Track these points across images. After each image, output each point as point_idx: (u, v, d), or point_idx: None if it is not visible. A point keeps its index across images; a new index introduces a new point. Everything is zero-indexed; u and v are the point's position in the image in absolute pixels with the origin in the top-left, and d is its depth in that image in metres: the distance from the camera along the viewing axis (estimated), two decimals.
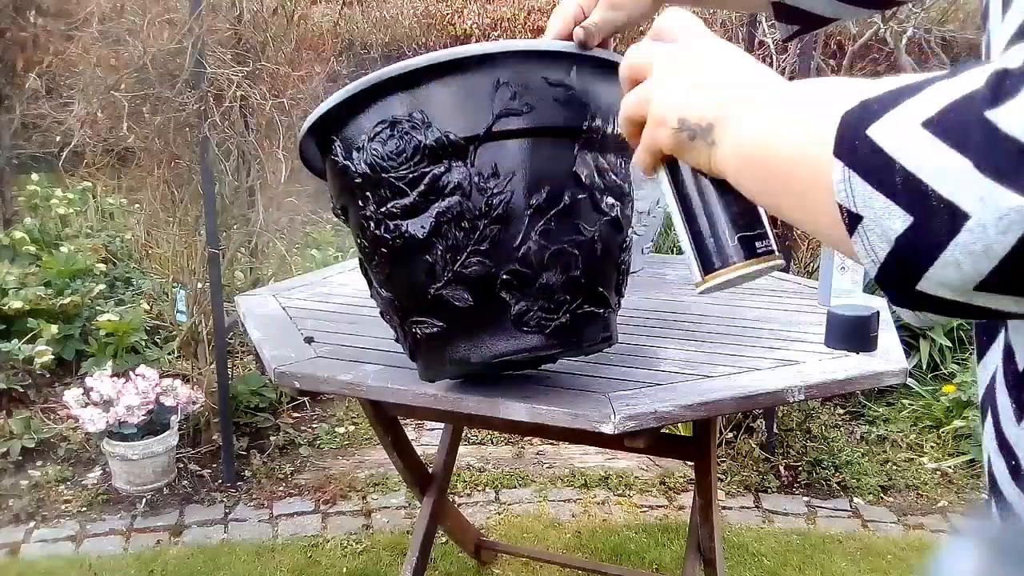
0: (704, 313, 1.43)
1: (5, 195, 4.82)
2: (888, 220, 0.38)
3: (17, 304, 3.11)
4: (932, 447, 2.84)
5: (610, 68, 0.89)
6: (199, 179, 2.49)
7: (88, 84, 2.60)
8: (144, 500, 2.50)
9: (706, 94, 0.51)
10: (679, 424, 2.25)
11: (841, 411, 3.05)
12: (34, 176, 4.77)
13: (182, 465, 2.65)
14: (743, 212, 0.56)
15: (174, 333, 2.98)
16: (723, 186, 0.54)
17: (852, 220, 0.39)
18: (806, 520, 2.46)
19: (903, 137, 0.37)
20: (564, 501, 2.54)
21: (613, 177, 0.97)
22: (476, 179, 0.89)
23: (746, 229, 0.56)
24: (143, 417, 2.46)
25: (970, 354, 3.17)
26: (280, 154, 2.61)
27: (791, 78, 2.88)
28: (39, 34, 4.56)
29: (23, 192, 4.76)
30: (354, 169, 0.94)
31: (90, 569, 2.19)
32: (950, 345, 3.18)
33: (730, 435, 2.78)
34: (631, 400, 1.00)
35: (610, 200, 0.96)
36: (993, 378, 0.48)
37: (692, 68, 0.53)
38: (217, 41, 2.55)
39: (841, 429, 2.92)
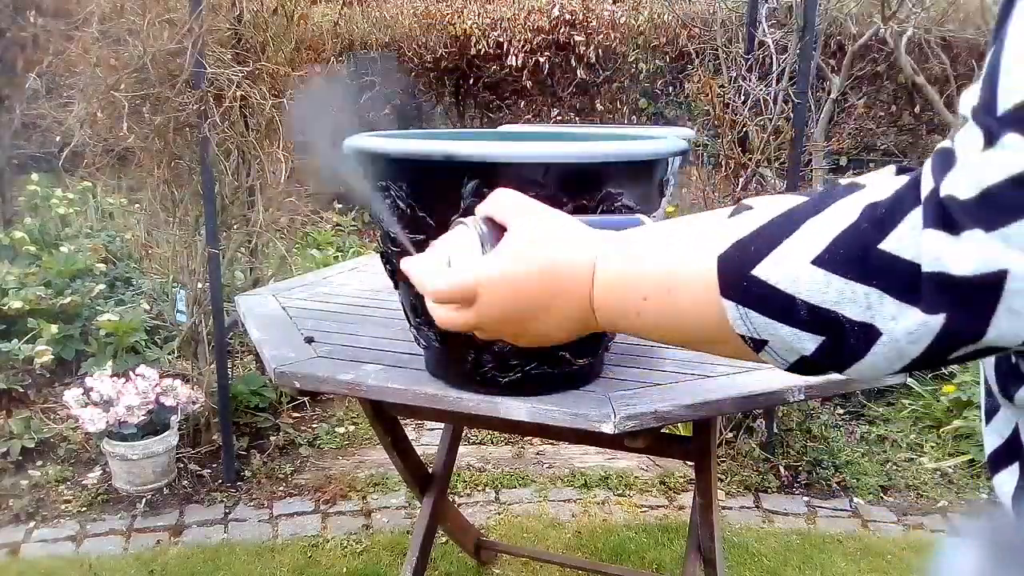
0: None
1: (5, 195, 4.82)
2: (797, 343, 0.42)
3: (17, 304, 3.11)
4: (932, 447, 2.84)
5: None
6: (199, 179, 2.49)
7: (88, 84, 2.60)
8: (144, 500, 2.50)
9: (557, 330, 0.54)
10: (679, 424, 2.24)
11: (841, 411, 3.05)
12: (34, 176, 4.77)
13: (182, 465, 2.65)
14: None
15: (174, 333, 2.98)
16: None
17: (757, 344, 0.44)
18: (806, 520, 2.45)
19: (796, 276, 0.41)
20: (564, 501, 2.54)
21: None
22: None
23: None
24: (143, 417, 2.46)
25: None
26: (280, 154, 2.60)
27: (791, 79, 2.87)
28: (39, 34, 4.56)
29: (23, 192, 4.77)
30: (403, 207, 0.97)
31: (90, 569, 2.19)
32: None
33: (730, 435, 2.78)
34: (631, 400, 1.00)
35: None
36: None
37: (519, 319, 0.54)
38: (217, 41, 2.55)
39: (841, 429, 2.92)
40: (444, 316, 0.56)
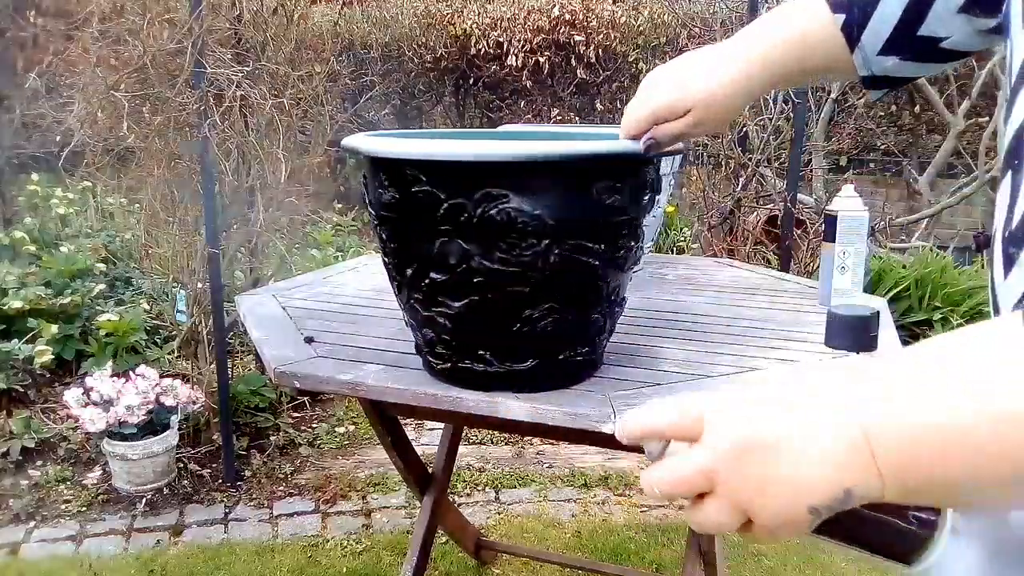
0: (704, 313, 1.43)
1: (5, 195, 4.82)
2: None
3: (17, 304, 3.11)
4: None
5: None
6: (199, 179, 2.49)
7: (88, 84, 2.60)
8: (144, 500, 2.50)
9: (816, 466, 0.41)
10: None
11: None
12: (34, 176, 4.77)
13: (182, 465, 2.65)
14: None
15: (174, 333, 2.98)
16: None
17: None
18: None
19: None
20: (564, 501, 2.54)
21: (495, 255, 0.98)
22: None
23: (904, 513, 0.49)
24: (143, 417, 2.46)
25: None
26: (280, 154, 2.60)
27: None
28: (39, 34, 4.56)
29: (23, 192, 4.77)
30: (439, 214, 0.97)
31: (90, 569, 2.19)
32: None
33: None
34: (631, 400, 1.00)
35: (479, 279, 0.97)
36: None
37: (768, 450, 0.42)
38: (217, 41, 2.55)
39: None
40: (669, 472, 0.46)
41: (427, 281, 1.00)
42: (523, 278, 0.95)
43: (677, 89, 0.84)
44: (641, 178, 1.01)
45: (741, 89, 0.82)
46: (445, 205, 0.93)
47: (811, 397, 0.42)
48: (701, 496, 0.45)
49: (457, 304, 0.99)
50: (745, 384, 0.46)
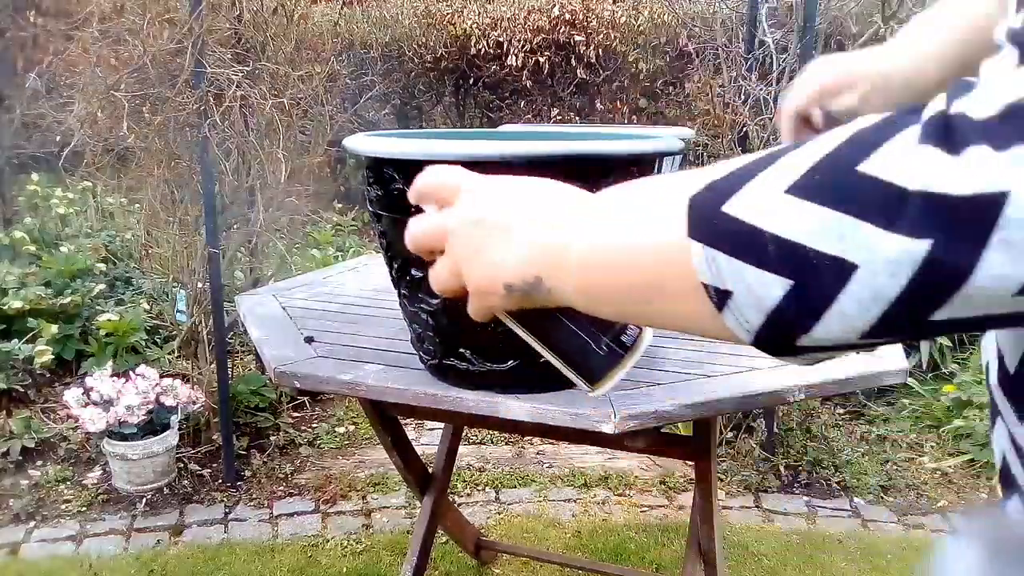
0: None
1: (5, 195, 4.82)
2: (763, 289, 0.37)
3: (17, 304, 3.11)
4: (932, 447, 2.84)
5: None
6: (199, 179, 2.49)
7: (88, 84, 2.60)
8: (144, 500, 2.50)
9: (518, 250, 0.48)
10: (679, 424, 2.24)
11: (841, 411, 3.05)
12: (34, 176, 4.77)
13: (182, 465, 2.65)
14: (594, 320, 0.54)
15: (174, 333, 2.98)
16: (568, 310, 0.52)
17: (721, 296, 0.39)
18: (806, 520, 2.45)
19: (767, 207, 0.37)
20: (564, 501, 2.54)
21: None
22: None
23: (606, 333, 0.55)
24: (143, 417, 2.46)
25: (970, 354, 3.17)
26: (280, 154, 2.60)
27: (792, 79, 2.88)
28: (39, 34, 4.56)
29: (23, 192, 4.77)
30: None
31: (90, 569, 2.19)
32: (950, 345, 3.18)
33: (730, 435, 2.78)
34: (631, 400, 1.00)
35: None
36: (992, 374, 0.48)
37: (492, 225, 0.49)
38: (217, 41, 2.55)
39: (841, 429, 2.92)
40: (418, 223, 0.54)
41: (409, 278, 1.01)
42: None
43: (844, 64, 0.81)
44: (623, 180, 1.00)
45: (913, 64, 0.78)
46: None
47: (546, 204, 0.49)
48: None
49: (435, 301, 1.01)
50: (515, 180, 0.52)
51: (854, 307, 0.35)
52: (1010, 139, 0.31)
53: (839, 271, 0.35)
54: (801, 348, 0.39)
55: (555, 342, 0.56)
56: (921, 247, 0.33)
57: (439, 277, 0.54)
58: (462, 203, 0.52)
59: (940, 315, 0.34)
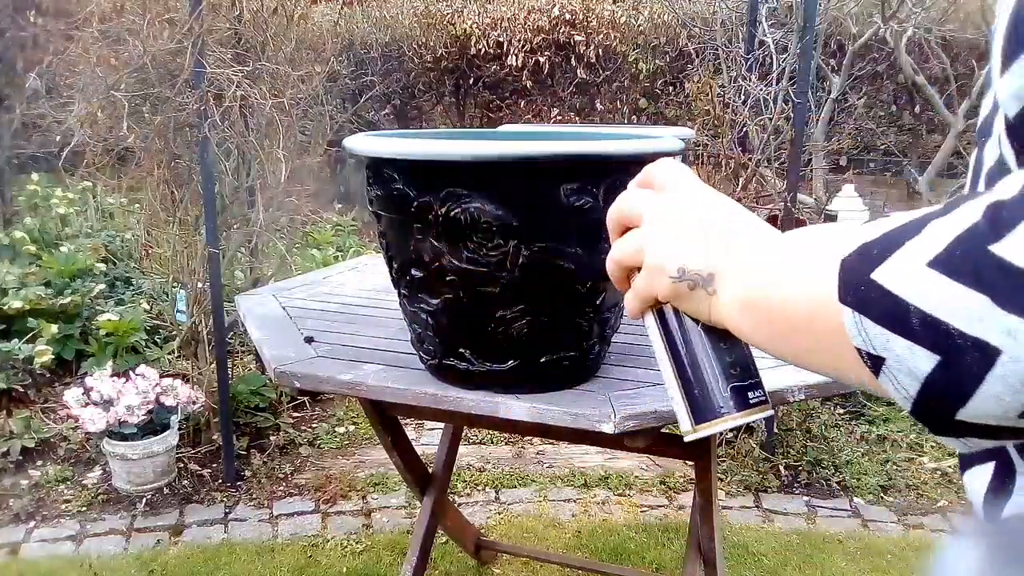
0: None
1: (5, 195, 4.83)
2: (913, 361, 0.38)
3: (17, 304, 3.11)
4: (932, 447, 2.84)
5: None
6: (199, 179, 2.49)
7: (88, 84, 2.60)
8: (144, 500, 2.50)
9: (706, 244, 0.51)
10: None
11: (841, 411, 3.05)
12: (34, 176, 4.77)
13: (182, 465, 2.65)
14: (736, 361, 0.55)
15: (174, 333, 2.98)
16: (716, 334, 0.53)
17: (875, 362, 0.40)
18: (806, 520, 2.46)
19: (912, 278, 0.37)
20: (564, 501, 2.54)
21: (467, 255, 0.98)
22: None
23: (738, 379, 0.55)
24: (143, 417, 2.46)
25: None
26: (280, 154, 2.60)
27: (791, 79, 2.87)
28: (39, 34, 4.56)
29: (23, 192, 4.77)
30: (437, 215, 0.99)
31: (90, 569, 2.19)
32: None
33: (730, 435, 2.78)
34: (631, 400, 1.00)
35: (451, 277, 0.98)
36: None
37: (689, 218, 0.53)
38: (217, 41, 2.55)
39: (841, 429, 2.92)
40: (633, 196, 0.57)
41: (408, 277, 1.01)
42: (493, 278, 0.95)
43: None
44: (620, 181, 0.98)
45: None
46: (415, 203, 0.94)
47: (736, 219, 0.52)
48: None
49: (434, 302, 1.00)
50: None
51: (1005, 389, 0.35)
52: None
53: (983, 353, 0.35)
54: (964, 425, 0.39)
55: (685, 359, 0.55)
56: None
57: (623, 246, 0.55)
58: (678, 191, 0.55)
59: None
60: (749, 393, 0.55)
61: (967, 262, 0.35)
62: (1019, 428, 0.38)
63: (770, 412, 0.56)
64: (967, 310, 0.35)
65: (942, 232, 0.37)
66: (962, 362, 0.36)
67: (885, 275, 0.38)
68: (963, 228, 0.36)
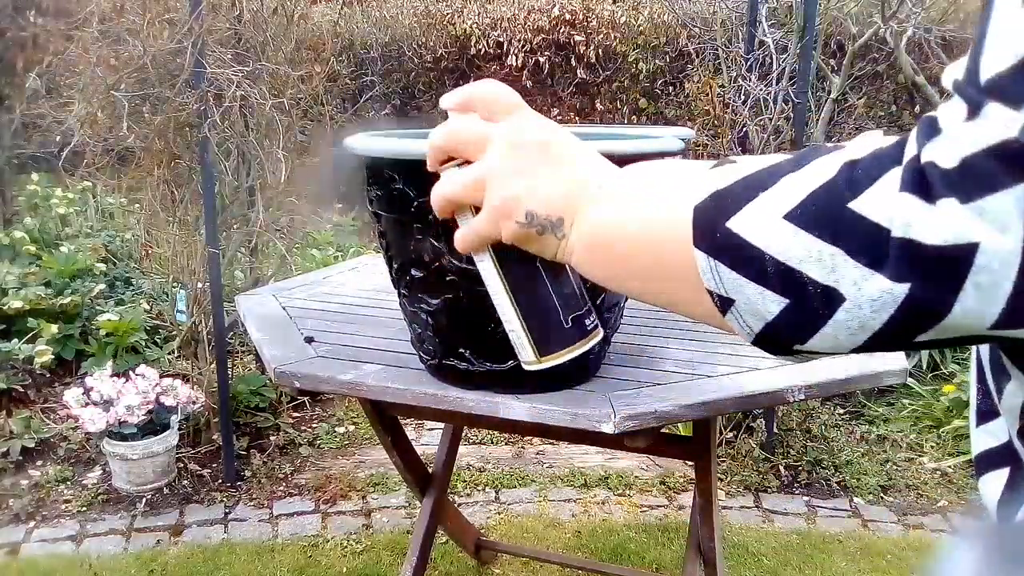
0: None
1: (5, 195, 4.82)
2: (762, 304, 0.41)
3: (17, 304, 3.11)
4: (932, 447, 2.84)
5: None
6: (199, 179, 2.49)
7: (88, 84, 2.60)
8: (144, 500, 2.50)
9: (553, 186, 0.49)
10: (679, 424, 2.25)
11: (841, 411, 3.05)
12: (34, 176, 4.77)
13: (182, 465, 2.65)
14: (572, 291, 0.55)
15: (174, 333, 2.98)
16: (555, 268, 0.53)
17: (724, 303, 0.42)
18: (806, 520, 2.45)
19: (767, 230, 0.40)
20: (564, 501, 2.54)
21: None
22: None
23: (576, 309, 0.55)
24: (143, 417, 2.46)
25: (970, 354, 3.17)
26: (280, 154, 2.60)
27: (791, 79, 2.87)
28: (39, 34, 4.56)
29: (23, 192, 4.77)
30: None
31: (90, 569, 2.19)
32: None
33: (730, 435, 2.78)
34: (631, 400, 1.00)
35: (451, 278, 0.98)
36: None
37: (530, 155, 0.50)
38: (217, 41, 2.55)
39: (841, 429, 2.92)
40: (464, 123, 0.53)
41: (408, 277, 1.01)
42: None
43: None
44: None
45: None
46: (415, 203, 0.94)
47: (581, 157, 0.51)
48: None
49: (434, 302, 1.01)
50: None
51: (842, 331, 0.39)
52: (971, 193, 0.34)
53: (828, 298, 0.38)
54: (797, 352, 0.42)
55: (526, 297, 0.55)
56: (901, 289, 0.36)
57: (460, 180, 0.52)
58: (518, 119, 0.51)
59: (922, 339, 0.38)
60: (586, 320, 0.56)
61: (823, 217, 0.38)
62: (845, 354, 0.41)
63: (602, 334, 0.58)
64: (820, 260, 0.38)
65: (797, 186, 0.39)
66: (808, 307, 0.39)
67: (740, 224, 0.40)
68: (818, 184, 0.39)
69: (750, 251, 0.40)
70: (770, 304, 0.40)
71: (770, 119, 2.83)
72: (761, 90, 2.87)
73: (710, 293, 0.42)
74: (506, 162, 0.50)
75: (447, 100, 0.54)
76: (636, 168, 0.49)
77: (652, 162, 0.49)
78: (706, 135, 3.06)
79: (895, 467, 2.74)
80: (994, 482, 0.47)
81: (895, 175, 0.36)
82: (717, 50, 3.20)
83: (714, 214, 0.42)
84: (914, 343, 0.39)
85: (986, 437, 0.49)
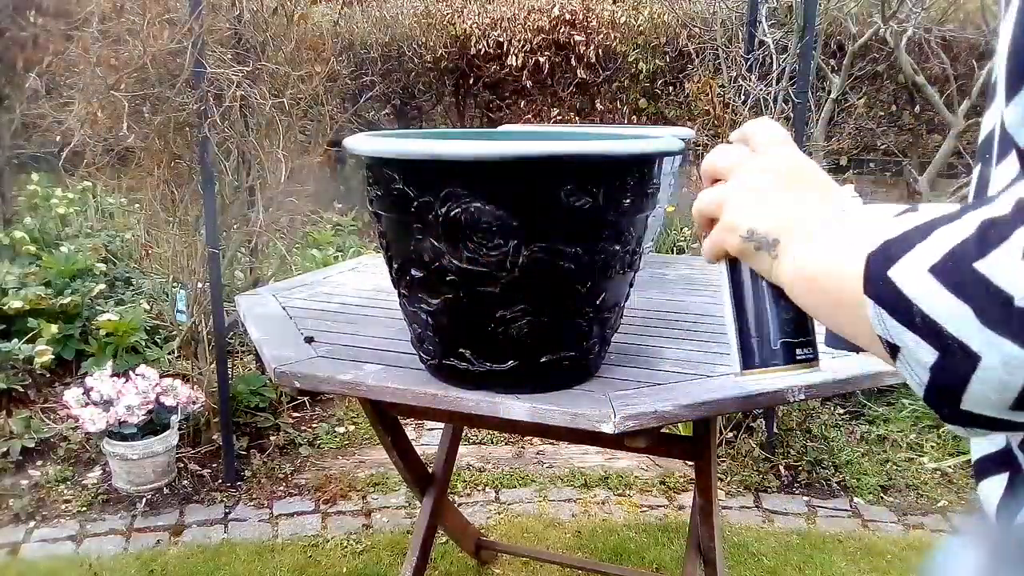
0: (704, 312, 1.43)
1: (5, 195, 4.82)
2: (920, 353, 0.41)
3: (17, 304, 3.11)
4: (932, 447, 2.84)
5: None
6: (199, 179, 2.49)
7: (88, 84, 2.60)
8: (144, 500, 2.50)
9: (777, 211, 0.55)
10: (679, 424, 2.24)
11: (841, 411, 3.05)
12: (34, 176, 4.77)
13: (182, 465, 2.65)
14: (792, 319, 0.59)
15: (174, 333, 2.98)
16: (778, 291, 0.56)
17: (892, 349, 0.44)
18: (806, 520, 2.46)
19: (916, 281, 0.41)
20: (564, 501, 2.54)
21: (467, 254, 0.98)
22: None
23: (791, 336, 0.59)
24: (143, 417, 2.46)
25: None
26: (280, 154, 2.60)
27: (792, 79, 2.86)
28: (39, 34, 4.56)
29: (23, 192, 4.77)
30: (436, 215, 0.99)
31: (90, 569, 2.19)
32: None
33: (730, 435, 2.78)
34: (631, 400, 1.00)
35: (451, 277, 0.98)
36: None
37: (769, 183, 0.56)
38: (217, 41, 2.55)
39: (841, 429, 2.92)
40: (724, 153, 0.60)
41: (408, 277, 1.01)
42: (492, 278, 0.95)
43: None
44: (620, 181, 0.98)
45: None
46: (415, 203, 0.94)
47: (811, 194, 0.55)
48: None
49: (435, 302, 1.00)
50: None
51: (989, 391, 0.39)
52: None
53: (968, 356, 0.39)
54: (969, 415, 0.42)
55: (744, 309, 0.60)
56: None
57: (707, 197, 0.59)
58: (775, 151, 0.58)
59: None
60: (798, 350, 0.59)
61: (955, 274, 0.39)
62: (1016, 423, 0.41)
63: (816, 369, 0.60)
64: (954, 317, 0.38)
65: (943, 240, 0.40)
66: (954, 359, 0.39)
67: (898, 274, 0.42)
68: (958, 240, 0.39)
69: (905, 301, 0.41)
70: (925, 354, 0.41)
71: (770, 119, 2.83)
72: (761, 90, 2.87)
73: (880, 339, 0.44)
74: (743, 186, 0.57)
75: (733, 135, 0.64)
76: (857, 211, 0.52)
77: (871, 207, 0.51)
78: (706, 135, 3.06)
79: (895, 467, 2.74)
80: (993, 486, 0.47)
81: (1020, 236, 0.36)
82: (717, 50, 3.20)
83: (881, 262, 0.43)
84: None
85: (985, 442, 0.49)
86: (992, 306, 0.37)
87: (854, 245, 0.47)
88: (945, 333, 0.39)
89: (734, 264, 0.60)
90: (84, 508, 2.47)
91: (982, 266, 0.37)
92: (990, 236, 0.38)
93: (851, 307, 0.46)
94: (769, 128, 0.61)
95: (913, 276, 0.41)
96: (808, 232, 0.52)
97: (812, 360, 0.60)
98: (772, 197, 0.55)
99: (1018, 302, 0.36)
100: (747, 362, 0.60)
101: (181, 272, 2.78)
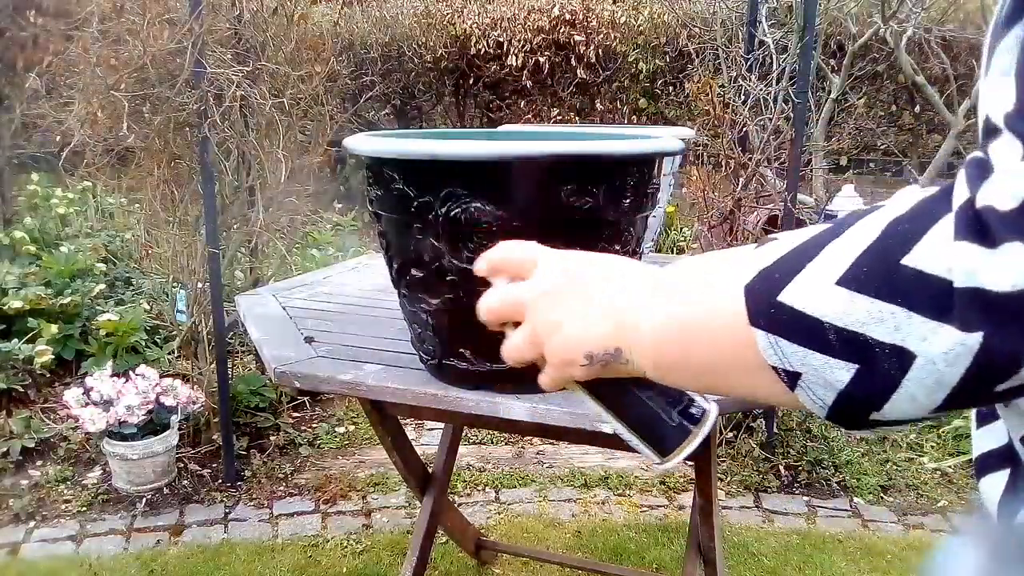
0: None
1: (5, 195, 4.82)
2: (830, 373, 0.40)
3: (17, 304, 3.11)
4: (932, 447, 2.84)
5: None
6: (199, 179, 2.49)
7: (88, 84, 2.60)
8: (144, 500, 2.50)
9: (599, 321, 0.50)
10: None
11: None
12: (34, 176, 4.77)
13: (182, 465, 2.65)
14: (665, 391, 0.57)
15: (174, 333, 2.98)
16: (641, 380, 0.54)
17: (791, 377, 0.42)
18: (806, 520, 2.45)
19: (821, 298, 0.39)
20: (564, 501, 2.54)
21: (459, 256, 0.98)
22: None
23: (677, 404, 0.57)
24: (143, 417, 2.46)
25: None
26: (280, 154, 2.60)
27: (792, 79, 2.86)
28: (39, 34, 4.56)
29: (23, 192, 4.77)
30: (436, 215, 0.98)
31: (90, 569, 2.19)
32: None
33: (730, 435, 2.78)
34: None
35: (451, 277, 0.98)
36: None
37: (568, 297, 0.52)
38: (217, 41, 2.55)
39: (841, 429, 2.92)
40: (495, 295, 0.55)
41: (408, 277, 1.02)
42: None
43: None
44: (620, 181, 0.98)
45: None
46: (415, 203, 0.94)
47: (618, 278, 0.52)
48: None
49: (434, 301, 1.00)
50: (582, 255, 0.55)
51: (920, 390, 0.38)
52: None
53: (900, 359, 0.37)
54: (874, 422, 0.41)
55: (627, 413, 0.57)
56: (974, 339, 0.35)
57: (516, 346, 0.54)
58: (540, 275, 0.54)
59: (1003, 387, 0.37)
60: (691, 409, 0.57)
61: (877, 277, 0.38)
62: (925, 418, 0.40)
63: (716, 413, 0.58)
64: (882, 321, 0.37)
65: (843, 252, 0.39)
66: (879, 369, 0.38)
67: (793, 297, 0.40)
68: (865, 245, 0.38)
69: (807, 321, 0.40)
70: (838, 372, 0.39)
71: (770, 119, 2.83)
72: (761, 90, 2.87)
73: (775, 370, 0.42)
74: (546, 319, 0.52)
75: (478, 266, 0.58)
76: (680, 265, 0.50)
77: (695, 257, 0.50)
78: (706, 135, 3.06)
79: (895, 467, 2.74)
80: (995, 483, 0.47)
81: (946, 224, 0.36)
82: (717, 50, 3.20)
83: (765, 291, 0.42)
84: (995, 394, 0.37)
85: (987, 439, 0.49)
86: (930, 296, 0.36)
87: (714, 288, 0.45)
88: (871, 341, 0.38)
89: (588, 384, 0.56)
90: (84, 508, 2.47)
91: (910, 260, 0.36)
92: (907, 231, 0.37)
93: (729, 354, 0.44)
94: (513, 249, 0.56)
95: (815, 294, 0.39)
96: (642, 308, 0.49)
97: (707, 411, 0.58)
98: (581, 309, 0.51)
99: (957, 284, 0.35)
100: (663, 451, 0.57)
101: (181, 272, 2.78)
